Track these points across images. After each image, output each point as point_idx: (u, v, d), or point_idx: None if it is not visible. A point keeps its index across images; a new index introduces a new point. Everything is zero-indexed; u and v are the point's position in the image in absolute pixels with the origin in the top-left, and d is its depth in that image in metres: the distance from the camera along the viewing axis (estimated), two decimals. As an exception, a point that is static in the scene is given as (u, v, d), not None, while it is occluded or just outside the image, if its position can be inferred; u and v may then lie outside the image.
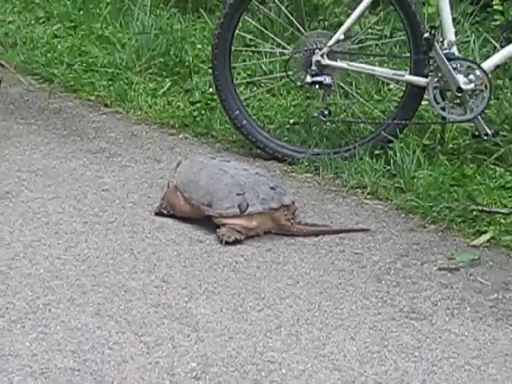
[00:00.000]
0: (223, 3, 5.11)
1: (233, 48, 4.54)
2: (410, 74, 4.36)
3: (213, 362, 2.95)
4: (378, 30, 5.23)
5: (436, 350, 3.06)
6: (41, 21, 6.40)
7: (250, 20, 4.99)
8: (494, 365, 2.99)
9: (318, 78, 4.38)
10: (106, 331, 3.09)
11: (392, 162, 4.27)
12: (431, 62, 4.27)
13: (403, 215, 4.00)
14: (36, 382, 2.83)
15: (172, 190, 3.91)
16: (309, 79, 4.39)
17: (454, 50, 4.30)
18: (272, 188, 3.80)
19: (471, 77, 4.26)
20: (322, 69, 4.37)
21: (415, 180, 4.14)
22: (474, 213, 3.93)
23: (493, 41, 4.95)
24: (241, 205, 3.72)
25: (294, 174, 4.36)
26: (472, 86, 4.26)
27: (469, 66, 4.28)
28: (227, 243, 3.68)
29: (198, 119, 4.87)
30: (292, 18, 4.89)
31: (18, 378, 2.84)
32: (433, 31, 4.26)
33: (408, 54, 4.42)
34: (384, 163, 4.28)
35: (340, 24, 4.57)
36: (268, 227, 3.77)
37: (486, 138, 4.34)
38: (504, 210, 3.95)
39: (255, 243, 3.71)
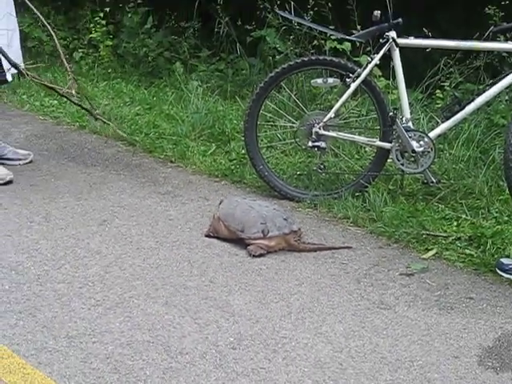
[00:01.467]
0: (251, 93, 5.14)
1: (258, 122, 4.55)
2: (380, 140, 4.37)
3: (244, 337, 2.96)
4: (358, 111, 5.24)
5: (398, 329, 3.06)
6: (127, 104, 6.44)
7: (270, 103, 5.01)
8: (438, 340, 2.99)
9: (317, 143, 4.39)
10: (171, 315, 3.10)
11: (367, 200, 4.27)
12: (394, 133, 4.28)
13: (375, 237, 3.99)
14: (123, 349, 2.85)
15: (216, 220, 3.91)
16: (310, 144, 4.40)
17: (410, 124, 4.31)
18: (285, 219, 3.80)
19: (421, 143, 4.26)
20: (319, 137, 4.38)
21: (383, 213, 4.13)
22: (424, 236, 3.92)
23: (436, 118, 4.96)
24: (263, 231, 3.72)
25: (300, 209, 4.36)
26: (422, 149, 4.26)
27: (420, 135, 4.28)
28: (254, 256, 3.68)
29: (234, 171, 4.88)
30: (298, 102, 4.92)
31: (111, 347, 2.86)
32: (395, 111, 4.28)
33: (378, 127, 4.43)
34: (362, 201, 4.28)
35: (331, 106, 4.58)
36: (282, 246, 3.77)
37: (431, 184, 4.34)
38: (444, 234, 3.94)
39: (273, 256, 3.71)
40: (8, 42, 4.58)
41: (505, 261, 3.54)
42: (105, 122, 5.14)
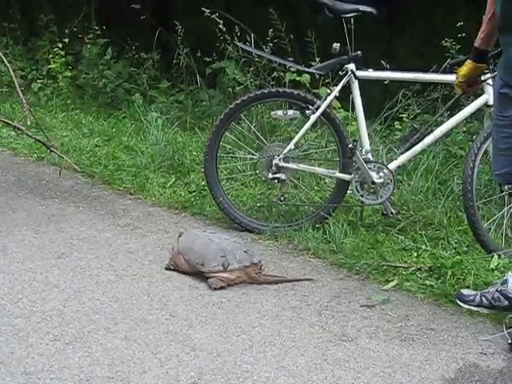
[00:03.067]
0: (211, 125, 5.13)
1: (218, 154, 4.55)
2: (339, 172, 4.38)
3: (206, 372, 2.92)
4: (317, 142, 5.26)
5: (360, 362, 3.05)
6: (86, 135, 6.41)
7: (230, 135, 5.01)
8: (400, 372, 2.98)
9: (277, 175, 4.40)
10: (131, 350, 3.05)
11: (328, 232, 4.27)
12: (353, 164, 4.30)
13: (335, 269, 3.99)
14: (83, 386, 2.80)
15: (176, 253, 3.87)
16: (270, 176, 4.41)
17: (369, 155, 4.34)
18: (245, 251, 3.78)
19: (381, 174, 4.29)
20: (279, 169, 4.39)
21: (344, 244, 4.14)
22: (384, 267, 3.93)
23: (395, 149, 4.99)
24: (223, 264, 3.70)
25: (260, 241, 4.35)
26: (382, 180, 4.29)
27: (379, 167, 4.31)
28: (215, 289, 3.65)
29: (194, 203, 4.86)
30: (258, 134, 4.92)
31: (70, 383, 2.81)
32: (354, 143, 4.31)
33: (338, 159, 4.44)
34: (322, 233, 4.28)
35: (291, 138, 4.60)
36: (243, 278, 3.74)
37: (391, 215, 4.37)
38: (405, 265, 3.95)
39: (234, 289, 3.68)
40: None
41: (465, 292, 3.55)
42: (59, 156, 5.09)
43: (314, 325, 3.35)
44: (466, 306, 3.51)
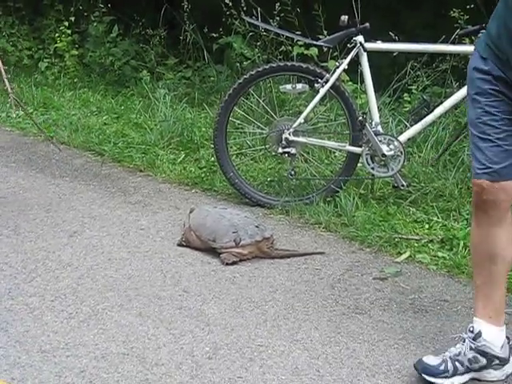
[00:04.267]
0: (220, 100, 5.12)
1: (227, 130, 4.54)
2: (350, 145, 4.37)
3: (220, 346, 2.94)
4: (327, 116, 5.24)
5: (374, 334, 3.05)
6: (94, 113, 6.39)
7: (239, 110, 4.99)
8: (414, 344, 2.99)
9: (287, 149, 4.39)
10: (146, 327, 3.07)
11: (339, 205, 4.26)
12: (364, 137, 4.29)
13: (347, 242, 3.98)
14: (98, 362, 2.81)
15: (188, 230, 3.88)
16: (280, 150, 4.40)
17: (379, 128, 4.32)
18: (256, 226, 3.79)
19: (391, 146, 4.27)
20: (289, 143, 4.38)
21: (355, 218, 4.13)
22: (396, 239, 3.92)
23: (404, 121, 4.97)
24: (235, 239, 3.70)
25: (271, 216, 4.34)
26: (392, 152, 4.27)
27: (389, 139, 4.29)
28: (227, 264, 3.66)
29: (204, 179, 4.85)
30: (267, 108, 4.91)
31: (86, 360, 2.82)
32: (364, 116, 4.29)
33: (347, 132, 4.43)
34: (333, 206, 4.27)
35: (300, 112, 4.58)
36: (255, 253, 3.75)
37: (402, 188, 4.35)
38: (416, 237, 3.95)
39: (247, 264, 3.69)
40: None
41: (429, 361, 2.73)
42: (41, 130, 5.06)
43: (327, 298, 3.35)
44: (440, 382, 2.69)
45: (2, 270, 3.56)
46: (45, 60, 7.78)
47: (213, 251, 3.76)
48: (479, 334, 2.70)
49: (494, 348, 2.70)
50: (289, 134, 4.35)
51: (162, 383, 2.70)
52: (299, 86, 4.42)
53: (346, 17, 4.23)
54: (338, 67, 4.31)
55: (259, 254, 3.75)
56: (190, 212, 3.98)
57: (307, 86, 4.41)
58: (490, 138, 2.58)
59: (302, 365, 2.83)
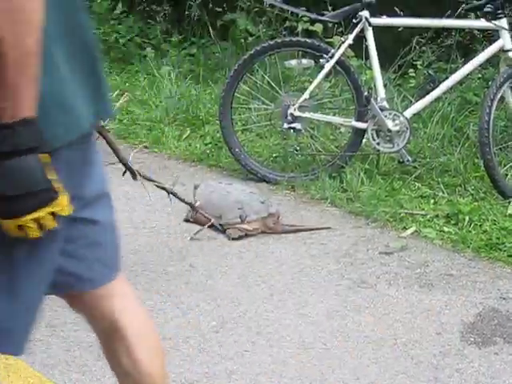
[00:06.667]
0: (225, 77, 5.11)
1: (233, 105, 4.53)
2: (355, 120, 4.36)
3: (227, 320, 2.95)
4: (332, 91, 5.22)
5: (380, 308, 3.07)
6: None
7: (244, 86, 4.98)
8: (420, 317, 3.00)
9: (292, 125, 4.38)
10: (153, 301, 3.08)
11: (344, 181, 4.26)
12: (369, 112, 4.28)
13: (353, 217, 3.99)
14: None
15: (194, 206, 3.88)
16: (286, 126, 4.39)
17: (385, 103, 4.31)
18: (262, 202, 3.79)
19: (397, 122, 4.27)
20: (295, 118, 4.37)
21: (360, 193, 4.14)
22: (402, 214, 3.93)
23: (409, 97, 4.96)
24: (241, 216, 3.71)
25: (277, 192, 4.34)
26: (398, 128, 4.27)
27: (395, 114, 4.28)
28: (233, 239, 3.67)
29: (209, 155, 4.85)
30: (272, 84, 4.89)
31: (94, 335, 2.82)
32: (370, 91, 4.28)
33: (353, 107, 4.42)
34: (339, 182, 4.27)
35: (305, 88, 4.57)
36: (261, 229, 3.75)
37: (407, 163, 4.35)
38: (422, 212, 3.95)
39: (253, 239, 3.71)
40: None
41: None
42: None
43: (333, 272, 3.36)
44: None
45: None
46: (49, 38, 7.75)
47: (219, 227, 3.76)
48: None
49: None
50: (294, 110, 4.35)
51: (170, 357, 2.70)
52: (304, 61, 4.42)
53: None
54: (343, 42, 4.30)
55: (265, 230, 3.76)
56: (195, 188, 3.98)
57: (312, 62, 4.42)
58: None
59: (308, 338, 2.84)
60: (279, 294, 3.16)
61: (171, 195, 3.62)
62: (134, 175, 3.36)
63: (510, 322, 2.97)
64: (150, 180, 3.56)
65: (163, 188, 3.56)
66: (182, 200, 3.70)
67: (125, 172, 3.37)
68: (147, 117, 5.55)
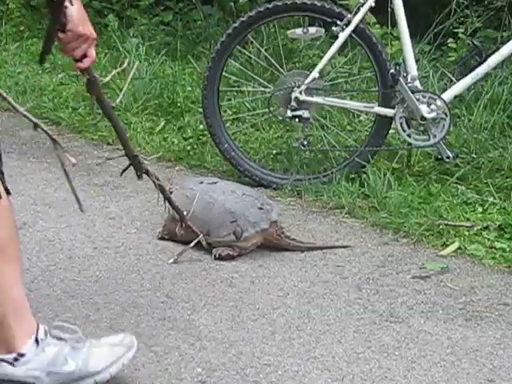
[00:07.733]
0: (210, 51, 5.12)
1: (220, 88, 4.54)
2: (379, 106, 4.37)
3: (216, 367, 2.94)
4: (348, 69, 5.24)
5: (414, 348, 3.06)
6: (47, 71, 6.39)
7: (235, 63, 4.98)
8: (466, 360, 2.99)
9: (297, 113, 4.39)
10: (119, 343, 3.07)
11: (366, 184, 4.27)
12: (397, 95, 4.29)
13: (378, 231, 3.99)
14: None
15: (170, 218, 3.86)
16: (289, 114, 4.40)
17: (417, 83, 4.32)
18: (260, 208, 3.77)
19: (433, 107, 4.28)
20: (301, 104, 4.38)
21: (387, 199, 4.14)
22: (441, 227, 3.93)
23: (449, 74, 4.97)
24: (235, 232, 3.69)
25: (279, 199, 4.35)
26: (434, 114, 4.28)
27: (430, 97, 4.29)
28: (221, 258, 3.66)
29: (191, 153, 4.86)
30: (271, 60, 4.90)
31: None
32: (397, 67, 4.29)
33: (376, 89, 4.43)
34: (359, 186, 4.28)
35: (314, 64, 4.58)
36: (260, 242, 3.75)
37: (447, 160, 4.35)
38: (467, 224, 3.96)
39: (248, 260, 3.70)
40: None
41: None
42: None
43: (352, 303, 3.36)
44: None
45: None
46: (-20, 3, 7.78)
47: (206, 246, 3.76)
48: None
49: None
50: (300, 93, 4.35)
51: (141, 415, 2.71)
52: (312, 30, 4.42)
53: None
54: (362, 5, 4.31)
55: (265, 242, 3.76)
56: (170, 193, 3.95)
57: (322, 30, 4.42)
58: None
59: (321, 389, 2.84)
60: (283, 331, 3.16)
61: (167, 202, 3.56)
62: (140, 174, 3.30)
63: None
64: (155, 180, 3.49)
65: (163, 192, 3.51)
66: (178, 211, 3.64)
67: (124, 171, 3.34)
68: (109, 104, 5.54)
